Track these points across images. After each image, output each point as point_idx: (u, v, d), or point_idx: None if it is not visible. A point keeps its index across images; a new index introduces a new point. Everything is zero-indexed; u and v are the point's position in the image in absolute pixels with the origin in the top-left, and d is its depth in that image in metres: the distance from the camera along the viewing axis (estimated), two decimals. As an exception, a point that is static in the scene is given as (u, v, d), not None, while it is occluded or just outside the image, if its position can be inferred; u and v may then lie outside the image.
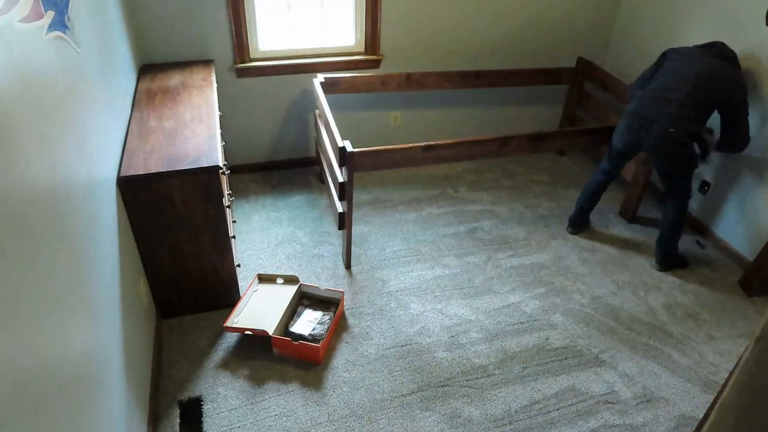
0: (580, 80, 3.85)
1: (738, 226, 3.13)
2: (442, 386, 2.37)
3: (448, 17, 3.52)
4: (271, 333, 2.40)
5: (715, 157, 3.21)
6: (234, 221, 2.87)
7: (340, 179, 2.73)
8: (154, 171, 2.18)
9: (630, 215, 3.44)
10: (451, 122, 3.99)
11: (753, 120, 2.92)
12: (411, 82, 3.53)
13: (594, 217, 3.49)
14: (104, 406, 1.57)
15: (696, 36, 3.23)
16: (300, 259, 3.03)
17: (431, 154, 2.81)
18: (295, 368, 2.42)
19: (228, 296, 2.65)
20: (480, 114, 4.02)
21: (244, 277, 2.86)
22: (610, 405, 2.33)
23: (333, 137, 2.75)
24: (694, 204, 3.40)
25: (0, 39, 1.18)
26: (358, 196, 3.61)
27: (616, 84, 3.52)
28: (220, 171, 2.27)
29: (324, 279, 2.90)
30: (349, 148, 2.60)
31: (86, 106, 1.82)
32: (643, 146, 2.81)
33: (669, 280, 3.00)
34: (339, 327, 2.63)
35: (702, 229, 3.35)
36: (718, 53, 2.67)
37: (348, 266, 2.99)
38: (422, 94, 3.77)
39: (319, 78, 3.30)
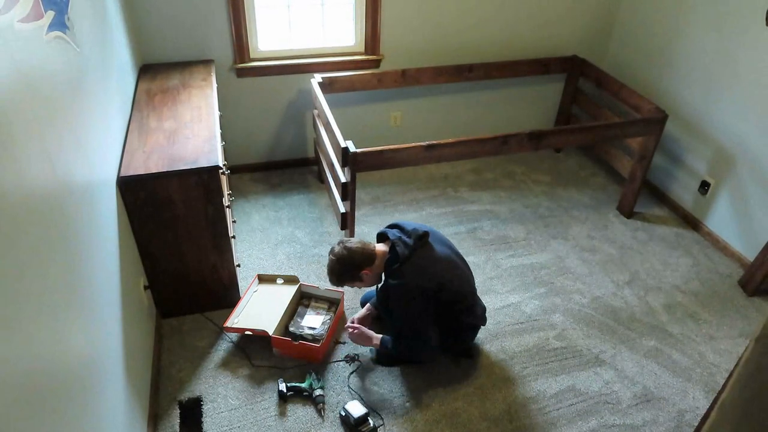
0: (575, 77, 3.88)
1: (737, 225, 3.13)
2: (442, 386, 2.37)
3: (448, 17, 3.52)
4: (271, 333, 2.40)
5: (714, 155, 3.21)
6: (234, 221, 2.87)
7: (343, 179, 2.73)
8: (154, 171, 2.18)
9: (628, 211, 3.47)
10: (449, 123, 3.99)
11: (750, 116, 2.92)
12: (407, 78, 3.53)
13: (593, 214, 3.49)
14: (104, 406, 1.57)
15: (696, 35, 3.23)
16: (300, 259, 3.03)
17: (433, 153, 2.81)
18: (295, 368, 2.42)
19: (228, 296, 2.65)
20: (477, 114, 4.02)
21: (244, 277, 2.86)
22: (610, 405, 2.33)
23: (334, 137, 2.75)
24: (694, 204, 3.41)
25: (0, 39, 1.18)
26: (357, 195, 3.61)
27: (610, 81, 3.54)
28: (220, 171, 2.27)
29: (324, 279, 2.90)
30: (352, 148, 2.60)
31: (86, 106, 1.82)
32: None
33: (669, 280, 3.00)
34: (339, 327, 2.63)
35: (701, 229, 3.35)
36: None
37: (349, 266, 2.98)
38: (419, 92, 3.77)
39: (317, 78, 3.30)
